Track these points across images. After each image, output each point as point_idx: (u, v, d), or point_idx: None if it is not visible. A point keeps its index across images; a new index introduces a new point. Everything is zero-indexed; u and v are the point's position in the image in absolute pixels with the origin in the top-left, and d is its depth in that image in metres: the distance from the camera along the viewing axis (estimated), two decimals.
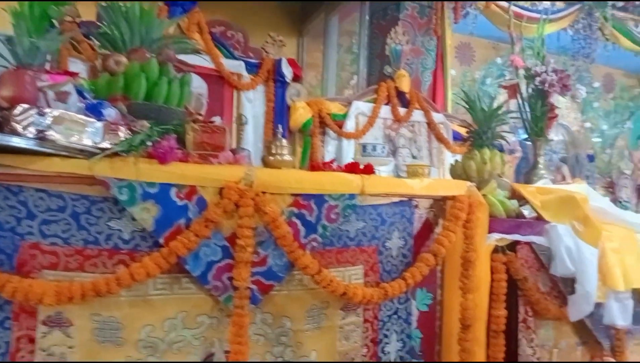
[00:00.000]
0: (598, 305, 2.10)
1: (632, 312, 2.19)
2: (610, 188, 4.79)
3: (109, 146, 1.36)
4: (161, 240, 1.42)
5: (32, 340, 1.32)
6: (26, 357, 1.31)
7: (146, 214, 1.40)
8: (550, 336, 2.15)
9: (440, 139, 3.69)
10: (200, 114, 1.82)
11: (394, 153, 3.53)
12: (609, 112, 6.22)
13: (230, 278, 1.49)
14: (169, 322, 1.47)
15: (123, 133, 1.41)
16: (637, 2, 4.82)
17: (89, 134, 1.34)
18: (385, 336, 1.80)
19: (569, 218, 2.02)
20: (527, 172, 2.83)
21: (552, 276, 2.13)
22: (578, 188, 2.38)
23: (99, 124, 1.37)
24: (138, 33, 1.74)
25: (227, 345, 1.50)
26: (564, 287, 2.14)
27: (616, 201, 4.43)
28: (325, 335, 1.68)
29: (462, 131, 3.77)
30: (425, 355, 1.90)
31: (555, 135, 4.79)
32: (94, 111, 1.42)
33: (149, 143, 1.45)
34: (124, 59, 1.67)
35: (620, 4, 4.75)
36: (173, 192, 1.44)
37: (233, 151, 1.65)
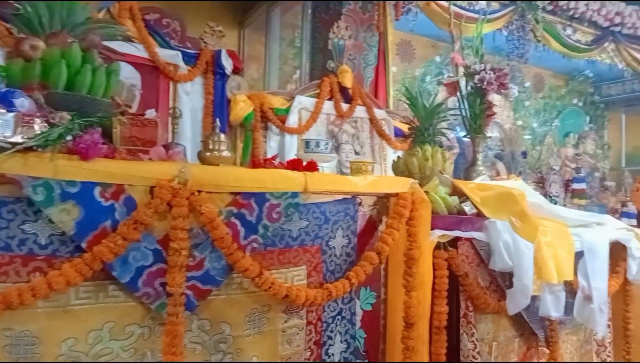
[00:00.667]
0: (533, 298, 2.16)
1: (564, 303, 2.28)
2: (541, 183, 5.04)
3: (21, 140, 1.22)
4: (84, 245, 1.29)
5: None
6: None
7: (66, 216, 1.26)
8: (489, 329, 2.19)
9: (382, 135, 3.70)
10: (129, 106, 1.69)
11: (336, 149, 3.50)
12: (539, 111, 6.53)
13: (163, 284, 1.39)
14: (94, 333, 1.34)
15: (39, 126, 1.26)
16: (564, 7, 5.07)
17: None
18: (329, 338, 1.75)
19: (508, 214, 2.06)
20: (466, 168, 2.88)
21: (491, 271, 2.16)
22: (515, 184, 2.45)
23: (10, 116, 1.22)
24: (58, 15, 1.58)
25: (161, 356, 1.39)
26: (502, 281, 2.19)
27: (546, 195, 4.67)
28: (266, 339, 1.60)
29: (404, 127, 3.81)
30: (370, 355, 1.87)
31: (490, 132, 4.98)
32: (3, 100, 1.26)
33: (69, 137, 1.31)
34: (41, 44, 1.50)
35: (550, 7, 4.98)
36: (97, 191, 1.31)
37: (166, 147, 1.53)
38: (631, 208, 4.54)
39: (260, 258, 1.55)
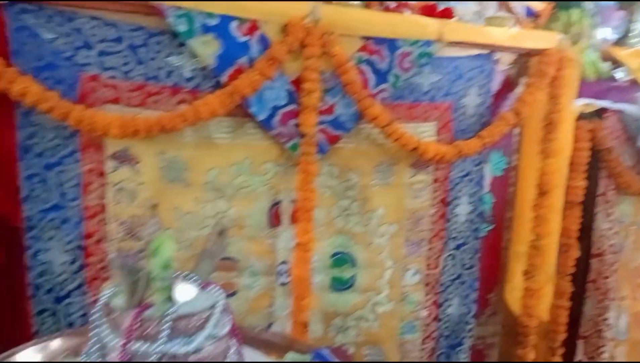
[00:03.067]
0: None
1: None
2: None
3: None
4: (224, 79, 1.32)
5: (101, 174, 1.30)
6: (98, 190, 1.30)
7: (207, 48, 1.29)
8: (629, 212, 2.01)
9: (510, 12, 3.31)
10: None
11: None
12: None
13: (297, 125, 1.40)
14: (236, 166, 1.42)
15: None
16: None
17: None
18: (456, 198, 1.70)
19: None
20: (616, 42, 2.50)
21: (639, 149, 1.93)
22: None
23: None
24: None
25: (294, 194, 1.45)
26: None
27: None
28: (393, 191, 1.60)
29: (538, 5, 3.37)
30: (496, 220, 1.81)
31: None
32: None
33: None
34: None
35: None
36: (234, 26, 1.31)
37: None
38: None
39: (389, 110, 1.50)
